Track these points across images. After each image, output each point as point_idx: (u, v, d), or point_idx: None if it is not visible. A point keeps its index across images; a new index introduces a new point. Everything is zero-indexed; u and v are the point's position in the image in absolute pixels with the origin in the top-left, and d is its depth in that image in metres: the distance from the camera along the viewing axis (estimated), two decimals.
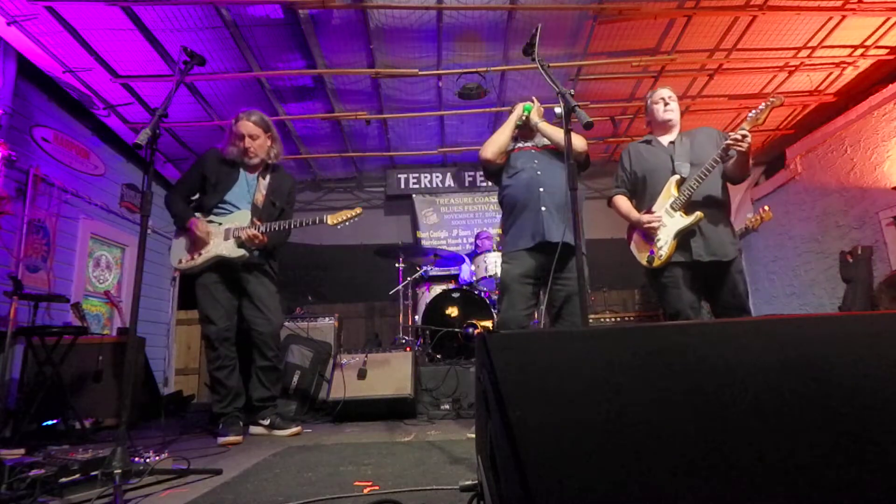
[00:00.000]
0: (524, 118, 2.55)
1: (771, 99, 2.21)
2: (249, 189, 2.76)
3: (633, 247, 2.59)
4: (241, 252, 2.65)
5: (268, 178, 2.82)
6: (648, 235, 2.48)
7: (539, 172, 2.46)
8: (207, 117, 4.73)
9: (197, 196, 2.77)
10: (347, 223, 2.76)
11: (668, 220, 2.40)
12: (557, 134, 2.44)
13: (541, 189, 2.42)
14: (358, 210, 2.81)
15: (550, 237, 2.34)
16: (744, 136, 2.21)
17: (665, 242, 2.40)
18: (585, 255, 2.27)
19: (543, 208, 2.39)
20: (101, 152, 4.49)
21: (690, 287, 2.40)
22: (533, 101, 2.62)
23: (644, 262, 2.49)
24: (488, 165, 2.58)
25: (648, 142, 2.61)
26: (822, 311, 4.95)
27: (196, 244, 2.65)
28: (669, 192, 2.43)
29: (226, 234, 2.65)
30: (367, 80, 4.48)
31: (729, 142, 2.24)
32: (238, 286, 2.75)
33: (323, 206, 6.52)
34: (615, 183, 2.69)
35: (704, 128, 2.59)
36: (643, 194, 2.55)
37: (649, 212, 2.47)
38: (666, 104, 2.55)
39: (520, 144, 2.61)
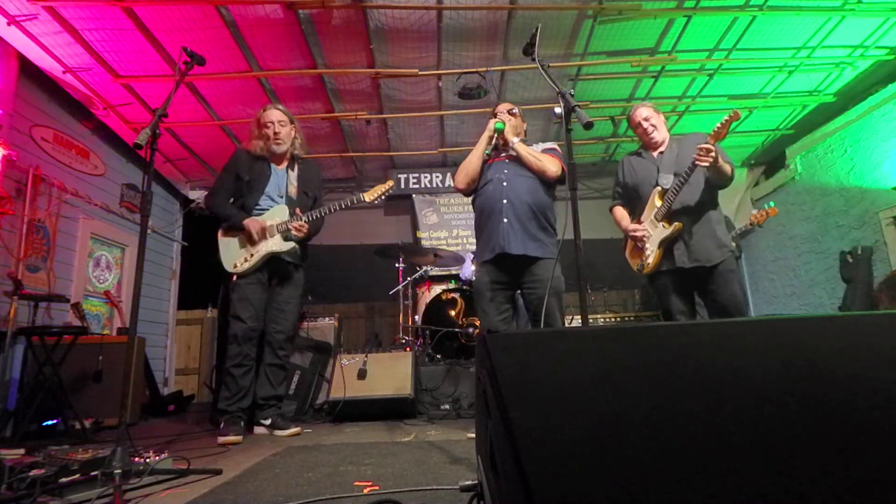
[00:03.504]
0: (496, 138, 2.49)
1: (729, 113, 2.20)
2: (281, 183, 2.83)
3: (627, 255, 2.73)
4: (291, 244, 2.74)
5: (296, 169, 2.91)
6: (638, 245, 2.59)
7: (505, 184, 2.46)
8: (207, 117, 4.72)
9: (232, 200, 2.82)
10: (383, 196, 2.90)
11: (654, 231, 2.50)
12: (530, 157, 2.45)
13: (504, 201, 2.42)
14: (390, 182, 2.96)
15: (510, 249, 2.36)
16: (707, 151, 2.22)
17: (651, 252, 2.50)
18: (557, 258, 2.32)
19: (505, 220, 2.40)
20: (101, 152, 4.49)
21: (679, 293, 2.50)
22: (508, 119, 2.55)
23: (636, 270, 2.64)
24: (463, 192, 2.63)
25: (639, 154, 2.69)
26: (822, 311, 4.95)
27: (249, 245, 2.71)
28: (653, 204, 2.52)
29: (270, 230, 2.72)
30: (367, 80, 4.48)
31: (694, 157, 2.27)
32: (269, 287, 2.80)
33: None
34: (612, 195, 2.81)
35: (694, 134, 2.60)
36: (636, 205, 2.64)
37: (639, 222, 2.58)
38: (645, 129, 2.59)
39: (493, 154, 2.58)
